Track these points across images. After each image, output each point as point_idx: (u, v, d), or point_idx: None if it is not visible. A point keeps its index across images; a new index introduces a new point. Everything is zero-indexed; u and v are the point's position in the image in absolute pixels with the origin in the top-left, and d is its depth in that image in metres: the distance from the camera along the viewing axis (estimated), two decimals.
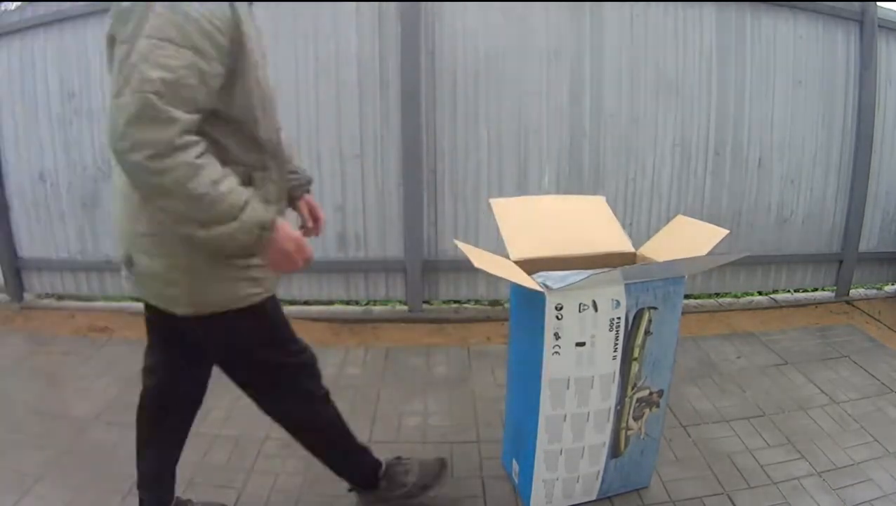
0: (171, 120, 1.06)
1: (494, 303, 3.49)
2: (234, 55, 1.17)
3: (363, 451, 1.76)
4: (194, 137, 1.11)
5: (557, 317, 1.60)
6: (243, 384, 1.55)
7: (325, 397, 1.64)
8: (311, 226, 1.68)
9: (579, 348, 1.64)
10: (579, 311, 1.61)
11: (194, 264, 1.27)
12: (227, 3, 1.14)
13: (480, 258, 1.59)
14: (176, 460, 1.69)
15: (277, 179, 1.38)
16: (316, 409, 1.62)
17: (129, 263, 1.34)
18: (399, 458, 1.84)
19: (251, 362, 1.49)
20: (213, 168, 1.13)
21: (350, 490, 1.81)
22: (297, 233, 1.31)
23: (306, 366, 1.57)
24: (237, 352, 1.47)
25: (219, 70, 1.14)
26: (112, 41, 1.15)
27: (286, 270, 1.31)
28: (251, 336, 1.43)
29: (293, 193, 1.59)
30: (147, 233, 1.28)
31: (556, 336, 1.61)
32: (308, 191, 1.66)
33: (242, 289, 1.34)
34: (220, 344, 1.45)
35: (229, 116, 1.22)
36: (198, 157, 1.11)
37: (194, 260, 1.27)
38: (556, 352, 1.63)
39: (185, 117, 1.08)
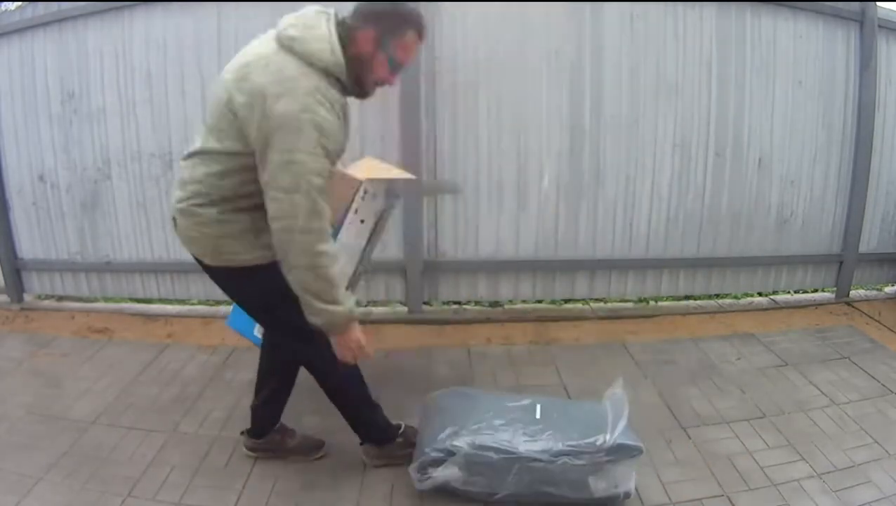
0: (325, 211, 1.56)
1: (495, 304, 3.49)
2: None
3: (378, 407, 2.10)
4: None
5: (362, 198, 2.05)
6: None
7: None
8: None
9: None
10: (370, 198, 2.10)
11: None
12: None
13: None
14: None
15: None
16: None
17: None
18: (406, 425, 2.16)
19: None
20: (335, 258, 1.60)
21: (362, 444, 2.09)
22: (357, 338, 1.68)
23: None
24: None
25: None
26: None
27: (345, 358, 1.71)
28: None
29: None
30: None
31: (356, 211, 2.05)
32: None
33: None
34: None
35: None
36: (329, 244, 1.60)
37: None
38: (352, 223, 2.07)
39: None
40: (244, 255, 1.69)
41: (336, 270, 1.57)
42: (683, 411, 2.43)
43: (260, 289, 1.75)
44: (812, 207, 3.52)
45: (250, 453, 2.12)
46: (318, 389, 2.57)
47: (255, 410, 2.10)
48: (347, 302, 1.62)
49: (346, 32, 1.59)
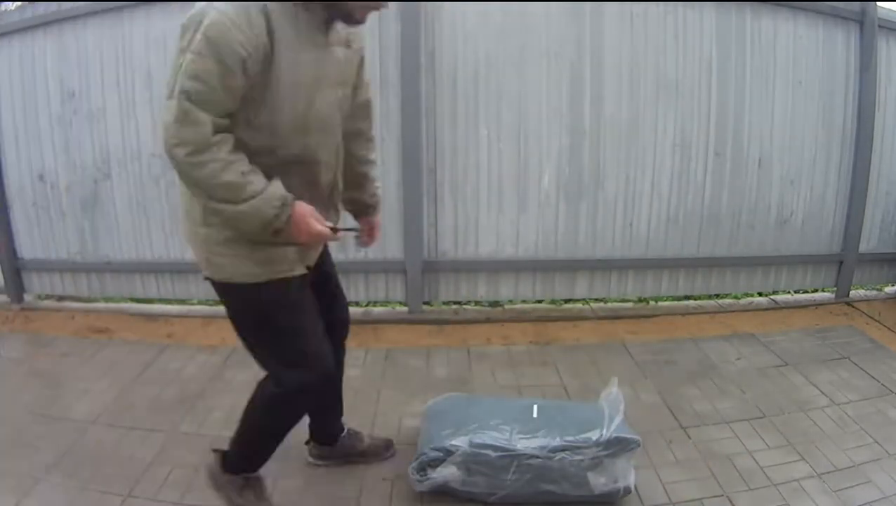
0: (203, 122, 1.27)
1: (494, 304, 3.49)
2: (262, 72, 1.31)
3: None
4: (225, 136, 1.31)
5: None
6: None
7: None
8: (364, 239, 1.87)
9: None
10: None
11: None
12: (265, 29, 1.28)
13: None
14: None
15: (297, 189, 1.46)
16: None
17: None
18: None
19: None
20: (241, 163, 1.34)
21: (216, 451, 1.84)
22: (311, 209, 1.44)
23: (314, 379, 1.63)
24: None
25: (242, 82, 1.29)
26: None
27: (306, 242, 1.47)
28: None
29: (356, 212, 1.87)
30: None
31: None
32: (371, 213, 1.88)
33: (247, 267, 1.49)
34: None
35: (255, 123, 1.37)
36: (228, 153, 1.31)
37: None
38: None
39: (216, 120, 1.29)
40: (230, 269, 1.49)
41: (237, 169, 1.32)
42: (683, 411, 2.43)
43: (246, 309, 1.58)
44: (812, 207, 3.52)
45: (320, 462, 2.07)
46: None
47: (314, 418, 2.02)
48: (264, 189, 1.36)
49: None
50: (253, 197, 1.34)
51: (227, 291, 1.56)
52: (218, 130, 1.30)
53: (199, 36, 1.24)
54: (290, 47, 1.33)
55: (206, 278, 1.56)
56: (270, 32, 1.29)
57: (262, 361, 1.66)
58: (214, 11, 1.25)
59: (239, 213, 1.35)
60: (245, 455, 1.80)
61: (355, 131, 1.72)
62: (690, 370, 2.76)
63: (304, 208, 1.42)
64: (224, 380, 2.66)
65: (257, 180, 1.35)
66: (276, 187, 1.38)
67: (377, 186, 1.87)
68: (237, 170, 1.32)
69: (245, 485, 1.80)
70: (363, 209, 1.88)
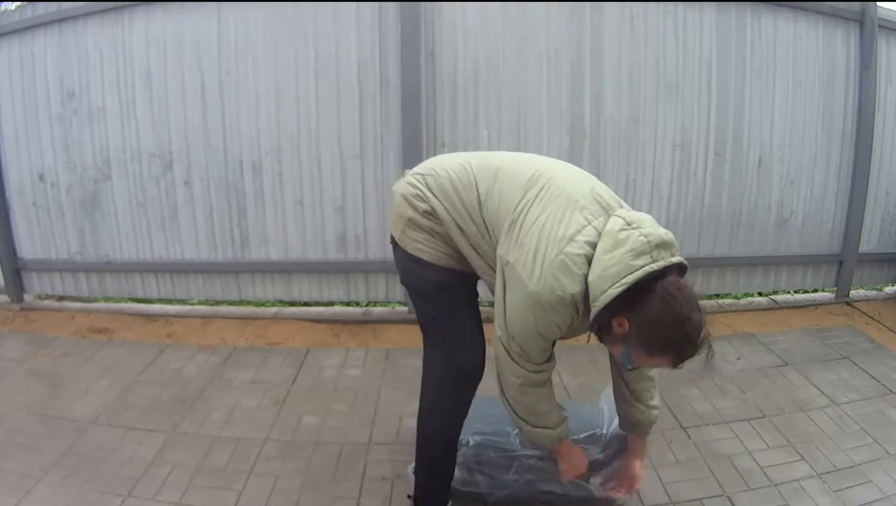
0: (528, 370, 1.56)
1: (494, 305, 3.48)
2: None
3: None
4: (546, 376, 1.60)
5: None
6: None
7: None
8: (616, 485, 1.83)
9: None
10: None
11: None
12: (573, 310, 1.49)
13: None
14: None
15: None
16: None
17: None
18: None
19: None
20: (551, 397, 1.63)
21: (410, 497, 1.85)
22: (576, 457, 1.71)
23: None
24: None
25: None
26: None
27: (564, 473, 1.74)
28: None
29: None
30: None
31: None
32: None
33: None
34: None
35: None
36: (546, 390, 1.61)
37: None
38: None
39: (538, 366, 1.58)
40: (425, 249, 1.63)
41: (538, 397, 1.59)
42: (684, 410, 2.43)
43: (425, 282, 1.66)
44: (812, 207, 3.52)
45: None
46: (317, 386, 2.60)
47: None
48: (554, 425, 1.63)
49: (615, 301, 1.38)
50: (546, 429, 1.63)
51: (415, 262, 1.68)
52: (540, 371, 1.61)
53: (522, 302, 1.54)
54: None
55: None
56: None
57: (429, 341, 1.74)
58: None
59: (524, 430, 1.64)
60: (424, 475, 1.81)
61: None
62: (691, 370, 2.74)
63: (568, 452, 1.70)
64: (224, 380, 2.66)
65: (546, 412, 1.62)
66: (561, 430, 1.64)
67: None
68: (533, 399, 1.60)
69: None
70: None
